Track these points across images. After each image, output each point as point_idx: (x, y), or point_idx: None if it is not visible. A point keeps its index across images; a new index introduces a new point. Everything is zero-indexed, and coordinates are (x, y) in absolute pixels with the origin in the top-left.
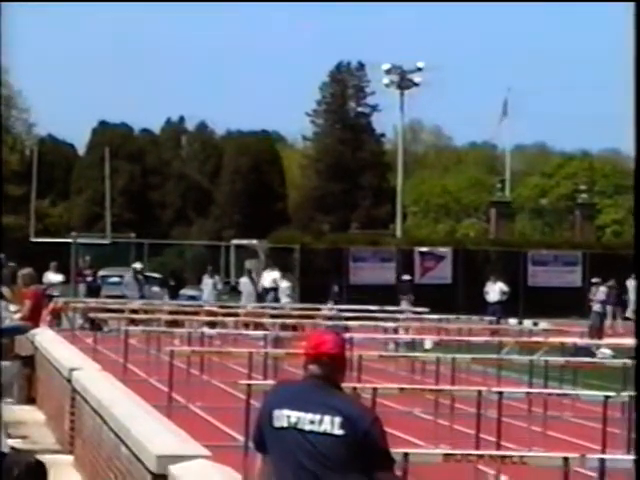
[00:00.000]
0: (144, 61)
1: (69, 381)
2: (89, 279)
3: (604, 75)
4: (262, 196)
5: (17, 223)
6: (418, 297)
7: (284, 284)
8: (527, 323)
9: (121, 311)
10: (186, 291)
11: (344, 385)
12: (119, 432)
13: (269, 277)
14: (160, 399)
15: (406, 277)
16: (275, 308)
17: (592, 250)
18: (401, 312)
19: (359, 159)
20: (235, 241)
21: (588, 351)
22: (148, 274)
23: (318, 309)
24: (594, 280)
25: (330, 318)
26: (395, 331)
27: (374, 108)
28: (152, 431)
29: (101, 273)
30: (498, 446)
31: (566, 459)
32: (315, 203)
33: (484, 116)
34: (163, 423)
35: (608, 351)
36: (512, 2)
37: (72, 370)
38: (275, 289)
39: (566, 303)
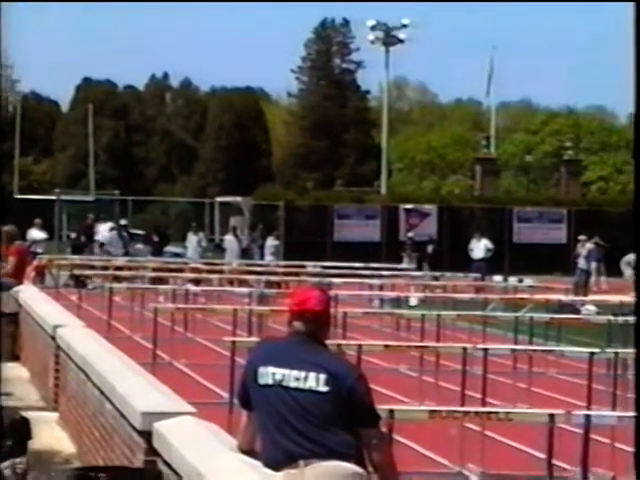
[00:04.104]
0: (128, 17)
1: (53, 338)
2: (73, 236)
3: (590, 32)
4: (246, 153)
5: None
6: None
7: (269, 242)
8: (512, 280)
9: (105, 268)
10: (170, 248)
11: (329, 342)
12: (104, 389)
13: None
14: (144, 356)
15: (410, 234)
16: (260, 265)
17: (577, 207)
18: (405, 270)
19: (344, 116)
20: (219, 198)
21: (573, 308)
22: (132, 231)
23: (303, 266)
24: (580, 237)
25: (315, 275)
26: (380, 288)
27: (359, 65)
28: (137, 388)
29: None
30: (483, 403)
31: (552, 415)
32: (299, 160)
33: (469, 73)
34: (148, 380)
35: (593, 308)
36: None
37: (56, 327)
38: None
39: (551, 260)
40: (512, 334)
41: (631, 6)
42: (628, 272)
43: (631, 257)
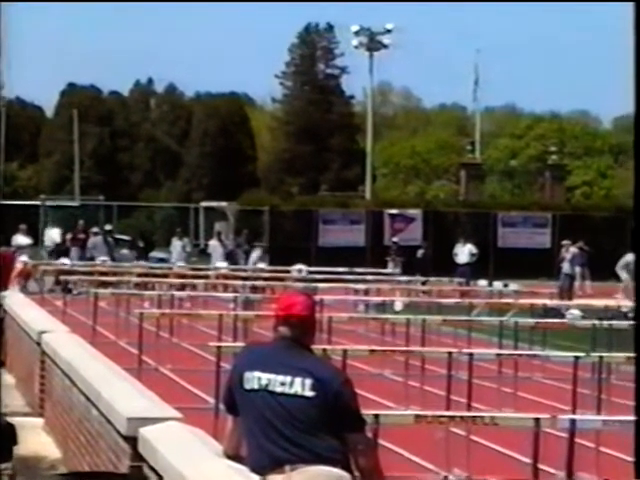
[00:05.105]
0: (112, 22)
1: (38, 344)
2: (58, 242)
3: (574, 36)
4: (231, 158)
5: None
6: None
7: (255, 254)
8: (497, 285)
9: (90, 273)
10: (155, 254)
11: (314, 347)
12: (89, 395)
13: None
14: (130, 362)
15: (395, 239)
16: (245, 270)
17: (562, 211)
18: (389, 274)
19: (328, 121)
20: (204, 203)
21: (558, 312)
22: (117, 236)
23: (288, 271)
24: (564, 242)
25: (300, 280)
26: (365, 293)
27: (343, 70)
28: (122, 393)
29: (69, 236)
30: (469, 407)
31: (537, 420)
32: (284, 165)
33: (453, 78)
34: (133, 385)
35: (577, 312)
36: None
37: (41, 333)
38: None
39: (536, 264)
40: (497, 339)
41: (631, 6)
42: (625, 276)
43: (627, 259)
